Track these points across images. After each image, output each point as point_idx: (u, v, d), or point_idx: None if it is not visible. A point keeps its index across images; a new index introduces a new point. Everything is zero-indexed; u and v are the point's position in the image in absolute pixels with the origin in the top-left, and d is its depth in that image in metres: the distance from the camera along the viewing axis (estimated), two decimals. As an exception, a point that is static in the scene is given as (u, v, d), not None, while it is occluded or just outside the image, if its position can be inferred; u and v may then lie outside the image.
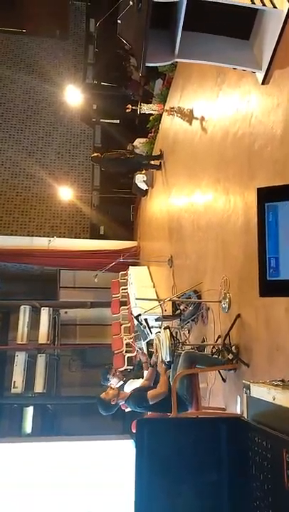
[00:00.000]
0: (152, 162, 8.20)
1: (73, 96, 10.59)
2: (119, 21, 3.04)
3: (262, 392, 1.10)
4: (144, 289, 7.56)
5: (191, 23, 2.74)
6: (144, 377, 4.06)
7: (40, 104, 13.44)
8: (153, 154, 8.50)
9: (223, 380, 3.61)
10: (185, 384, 3.39)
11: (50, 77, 13.51)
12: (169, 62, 3.24)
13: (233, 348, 3.37)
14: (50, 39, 14.54)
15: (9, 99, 13.43)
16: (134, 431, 3.18)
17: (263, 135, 3.03)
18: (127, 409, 4.08)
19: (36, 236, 11.07)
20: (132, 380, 4.11)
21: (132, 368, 6.84)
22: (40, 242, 10.47)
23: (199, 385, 3.54)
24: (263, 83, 3.02)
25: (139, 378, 4.12)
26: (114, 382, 4.11)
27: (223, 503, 1.08)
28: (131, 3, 2.71)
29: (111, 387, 3.83)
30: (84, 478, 5.22)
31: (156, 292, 7.63)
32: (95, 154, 8.62)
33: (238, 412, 3.21)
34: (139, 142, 8.98)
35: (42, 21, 13.76)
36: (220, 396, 3.77)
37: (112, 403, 3.62)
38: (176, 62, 4.35)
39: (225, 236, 3.86)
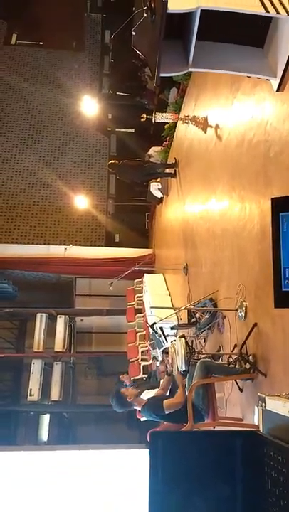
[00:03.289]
0: (167, 170, 8.22)
1: (89, 106, 10.74)
2: (133, 33, 3.07)
3: (277, 406, 1.08)
4: (159, 297, 7.53)
5: (205, 33, 2.74)
6: (160, 386, 4.03)
7: (57, 115, 13.65)
8: (167, 162, 8.53)
9: (240, 389, 3.56)
10: (201, 394, 3.35)
11: (66, 88, 13.74)
12: (183, 72, 3.25)
13: (250, 357, 3.33)
14: (66, 51, 14.82)
15: (27, 111, 13.70)
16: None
17: (279, 142, 3.01)
18: (142, 419, 4.04)
19: (53, 244, 11.19)
20: (146, 390, 4.07)
21: (147, 376, 6.80)
22: (56, 251, 10.57)
23: (215, 394, 3.49)
24: (277, 90, 3.00)
25: (155, 388, 4.08)
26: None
27: (238, 519, 1.05)
28: (145, 14, 2.73)
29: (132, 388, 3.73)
30: (99, 487, 5.18)
31: (172, 300, 7.59)
32: (113, 161, 8.69)
33: (256, 422, 3.15)
34: (154, 151, 9.02)
35: (59, 34, 14.05)
36: (237, 406, 3.71)
37: (129, 400, 3.55)
38: (191, 71, 4.37)
39: (241, 244, 3.82)
